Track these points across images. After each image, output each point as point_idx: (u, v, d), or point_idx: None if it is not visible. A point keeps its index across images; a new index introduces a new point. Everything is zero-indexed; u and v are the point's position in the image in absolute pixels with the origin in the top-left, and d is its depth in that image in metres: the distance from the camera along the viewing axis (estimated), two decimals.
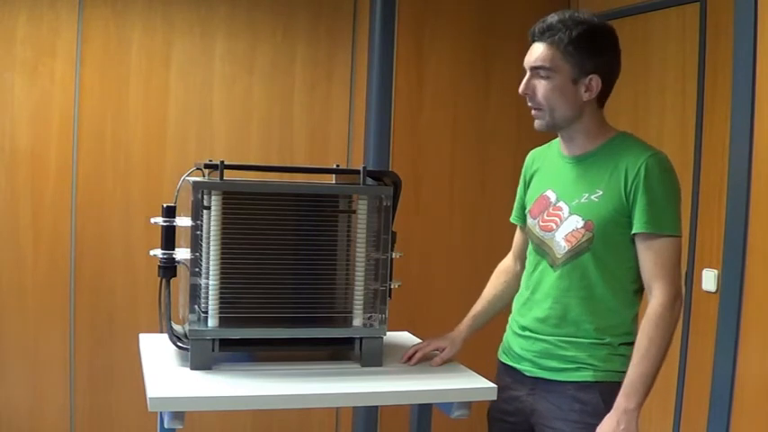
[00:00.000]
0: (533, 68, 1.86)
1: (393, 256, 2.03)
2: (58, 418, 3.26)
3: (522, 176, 2.11)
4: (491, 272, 2.23)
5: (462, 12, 3.65)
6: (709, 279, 2.87)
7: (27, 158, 3.18)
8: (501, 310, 2.17)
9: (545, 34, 1.84)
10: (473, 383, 1.95)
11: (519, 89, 1.89)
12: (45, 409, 3.25)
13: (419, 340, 2.26)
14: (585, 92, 1.85)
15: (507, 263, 2.20)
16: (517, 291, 2.13)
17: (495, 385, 1.93)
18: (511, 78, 3.67)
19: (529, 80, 1.87)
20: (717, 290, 2.82)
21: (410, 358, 2.07)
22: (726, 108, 2.79)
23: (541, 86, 1.85)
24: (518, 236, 2.16)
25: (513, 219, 2.15)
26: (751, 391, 2.64)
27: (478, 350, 2.21)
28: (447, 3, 3.62)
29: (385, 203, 1.99)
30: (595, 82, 1.85)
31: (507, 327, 2.09)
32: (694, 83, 3.02)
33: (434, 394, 1.94)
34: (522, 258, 2.13)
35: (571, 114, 1.87)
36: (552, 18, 1.84)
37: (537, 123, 1.90)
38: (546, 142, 2.08)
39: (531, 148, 2.13)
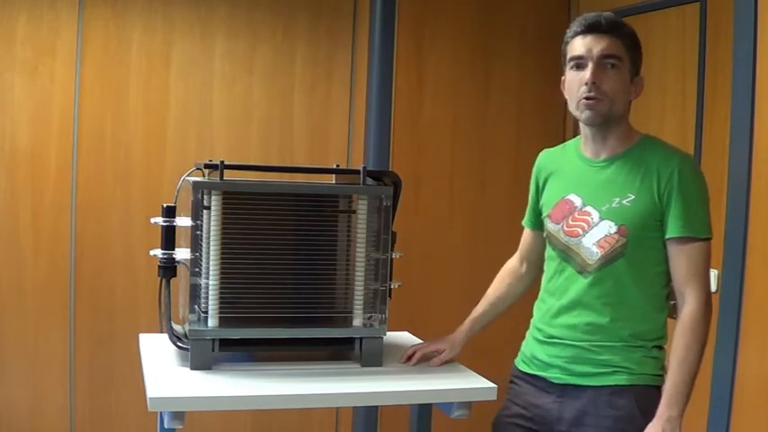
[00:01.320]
0: (604, 57, 1.80)
1: (393, 256, 2.03)
2: (58, 419, 3.26)
3: (533, 178, 2.07)
4: (491, 272, 2.22)
5: (462, 12, 3.65)
6: None
7: (27, 158, 3.18)
8: (503, 312, 2.15)
9: (614, 27, 1.82)
10: (473, 383, 1.95)
11: (585, 78, 1.81)
12: (45, 409, 3.25)
13: (419, 340, 2.26)
14: (635, 91, 1.87)
15: (513, 264, 2.17)
16: (521, 292, 2.12)
17: (495, 385, 1.93)
18: (511, 78, 3.68)
19: (596, 69, 1.81)
20: (717, 290, 2.82)
21: (409, 358, 2.07)
22: (726, 108, 2.79)
23: (611, 76, 1.81)
24: (527, 237, 2.13)
25: (525, 222, 2.12)
26: (751, 391, 2.64)
27: (477, 351, 2.21)
28: (447, 3, 3.62)
29: (385, 203, 1.99)
30: (642, 83, 1.87)
31: (527, 335, 2.04)
32: (694, 83, 3.02)
33: (434, 394, 1.94)
34: (528, 260, 2.12)
35: (623, 111, 1.86)
36: (608, 15, 1.83)
37: (590, 114, 1.83)
38: (547, 146, 2.07)
39: (531, 149, 2.12)
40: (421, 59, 3.60)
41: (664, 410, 1.76)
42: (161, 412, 1.73)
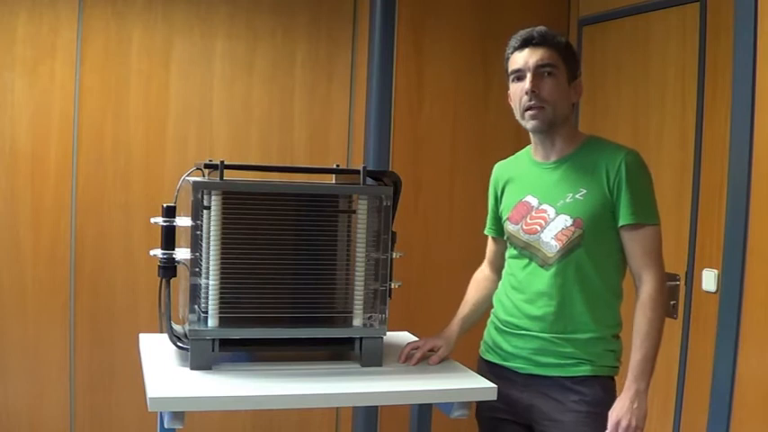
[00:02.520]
0: (540, 67, 1.95)
1: (393, 256, 2.03)
2: (58, 418, 3.26)
3: (492, 189, 2.22)
4: None
5: (462, 12, 3.65)
6: (709, 279, 2.87)
7: (27, 159, 3.18)
8: (482, 315, 2.23)
9: (546, 38, 1.96)
10: (473, 383, 1.95)
11: (525, 88, 1.95)
12: (45, 409, 3.25)
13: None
14: (575, 93, 2.01)
15: (485, 272, 2.28)
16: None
17: (495, 385, 1.93)
18: None
19: (534, 78, 1.95)
20: (717, 290, 2.82)
21: (407, 358, 2.08)
22: (726, 108, 2.79)
23: (548, 83, 1.95)
24: (492, 246, 2.26)
25: (488, 231, 2.25)
26: (751, 391, 2.64)
27: (476, 351, 2.21)
28: (447, 3, 3.62)
29: (385, 203, 1.99)
30: (581, 86, 2.02)
31: (488, 325, 2.15)
32: (694, 83, 3.02)
33: (434, 394, 1.94)
34: (497, 266, 2.22)
35: (566, 113, 2.00)
36: (540, 28, 1.98)
37: (535, 123, 1.97)
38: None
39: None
40: (421, 59, 3.60)
41: (631, 384, 1.88)
42: (161, 412, 1.73)
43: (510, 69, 2.01)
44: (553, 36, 1.97)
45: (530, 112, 1.96)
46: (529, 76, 1.95)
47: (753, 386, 2.63)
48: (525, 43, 1.97)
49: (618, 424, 1.86)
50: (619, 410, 1.87)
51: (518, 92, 1.98)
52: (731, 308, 2.70)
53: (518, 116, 2.01)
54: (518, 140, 3.59)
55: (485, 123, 3.69)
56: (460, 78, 3.67)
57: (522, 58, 1.97)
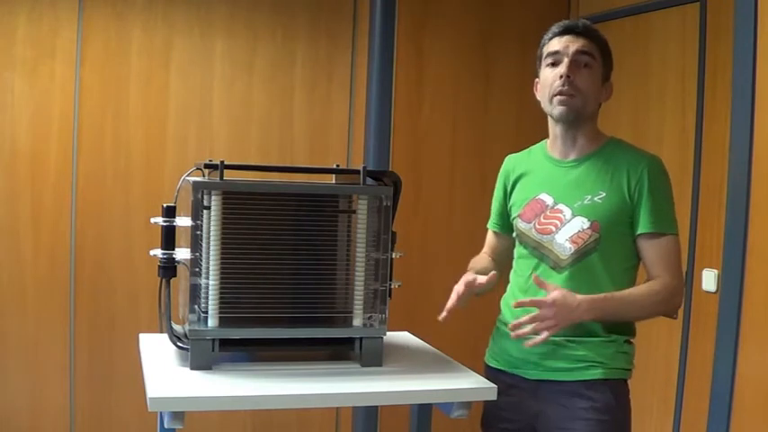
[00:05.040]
0: (579, 53, 1.89)
1: (393, 256, 2.03)
2: (58, 418, 3.26)
3: (500, 183, 2.13)
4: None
5: (462, 12, 3.65)
6: (709, 279, 2.87)
7: (27, 158, 3.18)
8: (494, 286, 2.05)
9: (589, 30, 1.92)
10: (473, 383, 1.95)
11: (561, 72, 1.88)
12: (45, 409, 3.25)
13: (419, 340, 2.25)
14: (605, 94, 1.95)
15: (485, 257, 2.20)
16: (499, 274, 2.11)
17: (495, 385, 1.92)
18: (511, 79, 3.68)
19: (571, 64, 1.89)
20: (717, 290, 2.82)
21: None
22: (726, 108, 2.79)
23: (585, 74, 1.90)
24: (492, 240, 2.19)
25: (491, 225, 2.18)
26: (751, 391, 2.64)
27: (476, 351, 2.21)
28: (447, 3, 3.62)
29: (385, 203, 1.98)
30: (611, 88, 1.96)
31: (494, 332, 2.10)
32: (694, 83, 3.02)
33: (434, 394, 1.93)
34: (496, 260, 2.15)
35: (593, 110, 1.94)
36: (585, 21, 1.94)
37: (563, 109, 1.90)
38: (537, 142, 2.10)
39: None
40: (421, 60, 3.61)
41: (586, 302, 1.78)
42: (161, 412, 1.73)
43: (546, 52, 1.93)
44: (597, 31, 1.92)
45: (559, 98, 1.89)
46: (566, 60, 1.88)
47: (753, 386, 2.63)
48: (568, 30, 1.92)
49: (553, 303, 1.76)
50: (562, 301, 1.76)
51: (551, 76, 1.91)
52: (731, 308, 2.70)
53: (545, 103, 1.94)
54: (518, 140, 3.58)
55: (485, 123, 3.69)
56: (460, 78, 3.67)
57: (561, 43, 1.90)
